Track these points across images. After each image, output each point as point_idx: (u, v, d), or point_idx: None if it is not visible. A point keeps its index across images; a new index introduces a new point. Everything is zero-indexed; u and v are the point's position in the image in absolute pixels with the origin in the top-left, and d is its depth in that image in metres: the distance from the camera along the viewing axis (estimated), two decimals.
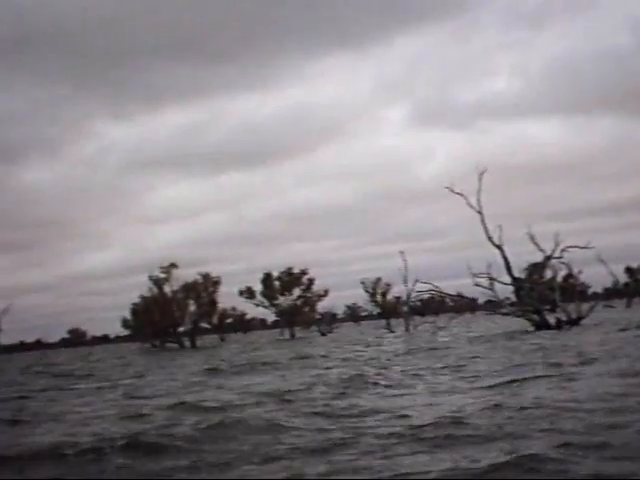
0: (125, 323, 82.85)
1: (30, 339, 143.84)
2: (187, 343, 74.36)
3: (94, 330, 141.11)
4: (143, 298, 75.24)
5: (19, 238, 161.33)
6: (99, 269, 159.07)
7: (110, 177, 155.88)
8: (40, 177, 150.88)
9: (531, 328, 35.23)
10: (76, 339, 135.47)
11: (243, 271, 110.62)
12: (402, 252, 62.62)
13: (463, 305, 60.89)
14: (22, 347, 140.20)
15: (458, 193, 36.00)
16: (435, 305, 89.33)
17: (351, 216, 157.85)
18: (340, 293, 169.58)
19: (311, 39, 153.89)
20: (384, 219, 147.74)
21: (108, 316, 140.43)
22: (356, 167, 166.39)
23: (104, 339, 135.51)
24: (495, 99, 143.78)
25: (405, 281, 59.86)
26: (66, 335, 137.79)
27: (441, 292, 44.23)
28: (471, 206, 35.99)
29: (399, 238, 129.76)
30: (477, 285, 37.88)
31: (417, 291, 48.99)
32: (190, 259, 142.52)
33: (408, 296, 60.70)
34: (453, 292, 47.31)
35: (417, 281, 47.27)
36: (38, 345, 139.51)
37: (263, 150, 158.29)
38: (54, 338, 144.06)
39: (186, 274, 74.44)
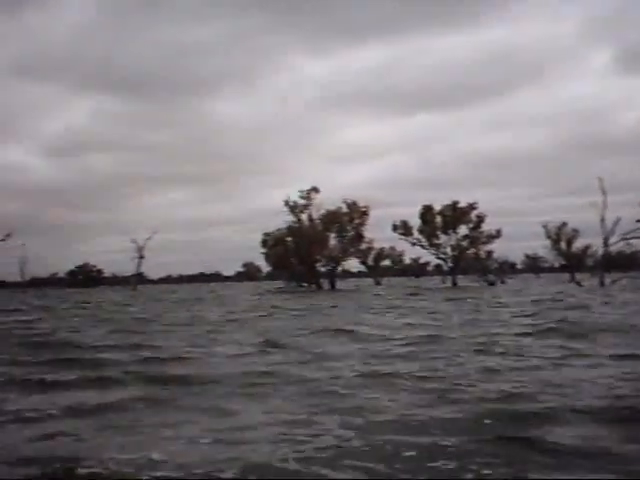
0: (267, 258, 71.93)
1: (209, 271, 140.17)
2: (326, 285, 62.35)
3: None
4: (284, 229, 63.93)
5: (207, 171, 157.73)
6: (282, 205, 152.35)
7: (302, 113, 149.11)
8: (232, 109, 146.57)
9: None
10: (250, 273, 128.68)
11: None
12: (600, 179, 47.58)
13: None
14: (201, 278, 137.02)
15: None
16: (624, 261, 69.73)
17: (541, 164, 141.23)
18: (523, 243, 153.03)
19: None
20: (575, 169, 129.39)
21: None
22: (551, 113, 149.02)
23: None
24: None
25: (602, 220, 45.97)
26: (241, 269, 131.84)
27: None
28: None
29: (590, 190, 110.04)
30: None
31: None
32: (373, 201, 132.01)
33: (606, 240, 46.53)
34: None
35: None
36: (214, 277, 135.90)
37: (457, 91, 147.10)
38: (231, 271, 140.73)
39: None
